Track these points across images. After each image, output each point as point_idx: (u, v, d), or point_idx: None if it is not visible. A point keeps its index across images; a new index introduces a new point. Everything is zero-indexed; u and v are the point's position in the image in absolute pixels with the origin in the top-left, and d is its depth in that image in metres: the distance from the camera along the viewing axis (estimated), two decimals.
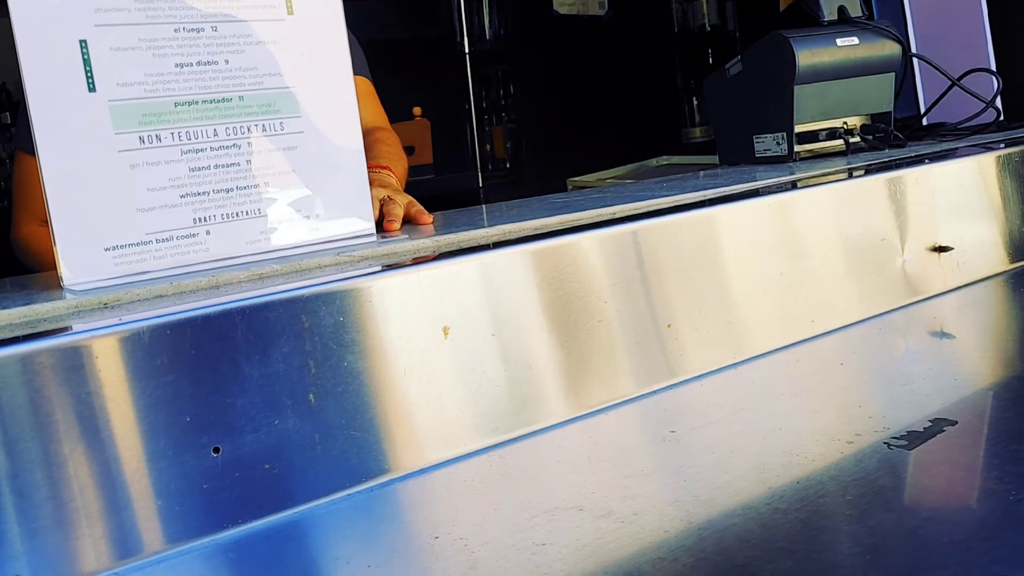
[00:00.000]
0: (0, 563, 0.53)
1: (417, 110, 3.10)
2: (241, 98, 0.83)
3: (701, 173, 1.42)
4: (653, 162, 3.36)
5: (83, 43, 0.75)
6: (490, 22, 3.68)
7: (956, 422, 0.68)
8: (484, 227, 0.87)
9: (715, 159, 1.62)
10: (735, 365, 0.85)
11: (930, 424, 0.68)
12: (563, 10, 3.70)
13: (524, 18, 3.66)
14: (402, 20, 3.45)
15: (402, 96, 3.19)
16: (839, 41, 1.36)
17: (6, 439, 0.54)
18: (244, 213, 0.83)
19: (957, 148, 1.35)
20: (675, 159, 3.37)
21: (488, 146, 3.69)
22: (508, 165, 3.67)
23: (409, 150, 3.08)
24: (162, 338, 0.59)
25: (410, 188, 3.23)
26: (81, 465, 0.56)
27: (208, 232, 0.81)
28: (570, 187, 3.19)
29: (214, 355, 0.60)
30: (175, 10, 0.79)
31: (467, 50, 3.49)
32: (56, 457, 0.55)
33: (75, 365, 0.57)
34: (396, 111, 3.14)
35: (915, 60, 1.58)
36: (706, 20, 4.33)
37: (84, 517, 0.56)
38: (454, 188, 3.33)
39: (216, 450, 0.60)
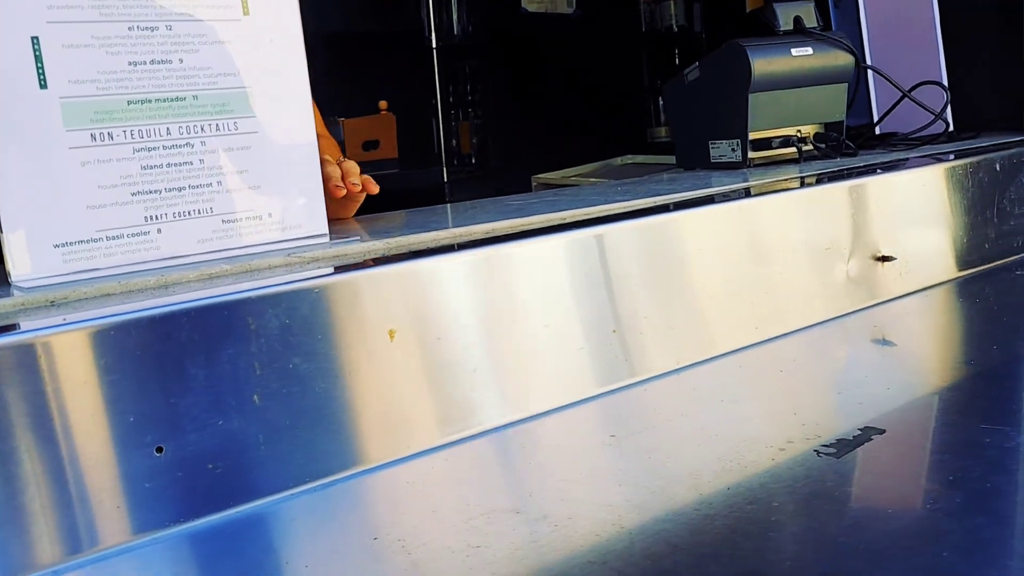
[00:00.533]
0: None
1: (383, 104, 3.10)
2: (195, 97, 0.83)
3: (655, 177, 1.44)
4: (617, 161, 3.39)
5: (35, 39, 0.75)
6: (458, 18, 3.68)
7: (884, 431, 0.70)
8: (435, 230, 0.89)
9: None
10: (678, 370, 0.87)
11: (859, 432, 0.70)
12: (531, 7, 3.72)
13: (492, 14, 3.67)
14: (371, 13, 3.44)
15: (368, 90, 3.19)
16: (794, 51, 1.39)
17: None
18: (196, 212, 0.83)
19: (905, 159, 1.38)
20: (639, 158, 3.40)
21: (454, 141, 3.69)
22: (474, 161, 3.68)
23: (374, 144, 3.08)
24: (107, 338, 0.60)
25: (375, 182, 3.21)
26: (26, 463, 0.57)
27: (159, 230, 0.81)
28: (535, 184, 3.21)
29: (159, 356, 0.61)
30: (129, 8, 0.79)
31: (435, 45, 3.49)
32: (2, 452, 0.56)
33: (20, 364, 0.57)
34: (362, 105, 3.14)
35: (869, 71, 1.61)
36: (673, 21, 4.37)
37: (27, 514, 0.57)
38: (419, 183, 3.33)
39: (159, 449, 0.61)
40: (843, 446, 0.68)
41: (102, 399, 0.59)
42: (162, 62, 0.81)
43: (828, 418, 0.75)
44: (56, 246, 0.76)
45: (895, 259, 1.11)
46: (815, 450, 0.68)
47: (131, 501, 0.60)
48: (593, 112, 3.85)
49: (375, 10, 3.46)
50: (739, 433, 0.73)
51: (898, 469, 0.66)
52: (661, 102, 4.37)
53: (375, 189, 1.00)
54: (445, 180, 3.42)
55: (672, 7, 4.35)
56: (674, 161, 1.63)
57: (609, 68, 4.01)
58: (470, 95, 3.79)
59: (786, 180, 1.19)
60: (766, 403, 0.80)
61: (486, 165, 3.65)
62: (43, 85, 0.76)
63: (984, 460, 0.64)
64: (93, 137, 0.78)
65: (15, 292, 0.71)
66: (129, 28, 0.79)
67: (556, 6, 3.80)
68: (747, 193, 1.08)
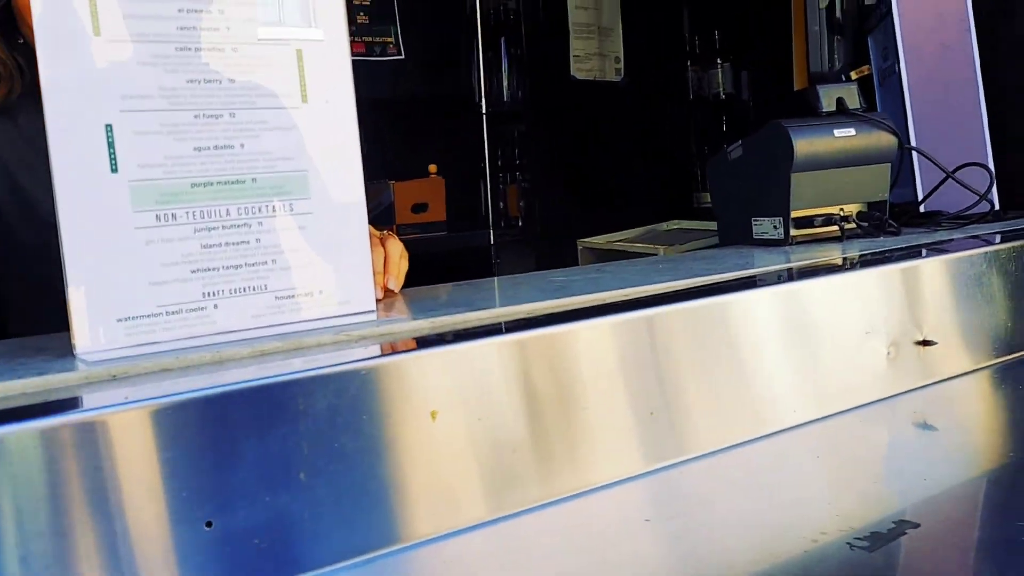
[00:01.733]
0: None
1: (432, 167, 3.17)
2: (254, 180, 0.88)
3: (697, 254, 1.46)
4: (663, 226, 3.41)
5: (108, 127, 0.80)
6: (508, 83, 3.77)
7: (919, 525, 0.71)
8: (479, 309, 0.91)
9: None
10: (715, 453, 0.88)
11: (893, 526, 0.70)
12: (580, 75, 3.79)
13: (542, 81, 3.76)
14: (424, 79, 3.55)
15: (419, 153, 3.28)
16: (836, 132, 1.41)
17: (14, 510, 0.58)
18: (251, 289, 0.87)
19: (949, 240, 1.39)
20: (684, 224, 3.42)
21: (501, 205, 3.76)
22: (520, 224, 3.73)
23: (423, 207, 3.15)
24: (165, 416, 0.63)
25: (423, 244, 3.30)
26: (81, 535, 0.60)
27: (216, 306, 0.85)
28: (580, 248, 3.25)
29: (213, 434, 0.64)
30: (196, 98, 0.84)
31: (485, 110, 3.57)
32: (58, 526, 0.59)
33: (84, 439, 0.61)
34: (412, 168, 3.22)
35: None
36: (721, 88, 4.42)
37: None
38: (466, 245, 3.39)
39: (208, 524, 0.64)
40: (876, 540, 0.68)
41: (158, 474, 0.62)
42: (225, 147, 0.86)
43: (863, 509, 0.75)
44: (119, 320, 0.80)
45: (936, 343, 1.11)
46: (848, 543, 0.68)
47: (182, 574, 0.62)
48: (639, 177, 3.89)
49: (427, 75, 3.56)
50: (773, 521, 0.74)
51: (931, 567, 0.66)
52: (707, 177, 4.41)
53: (396, 288, 1.06)
54: (492, 243, 3.48)
55: (720, 75, 4.41)
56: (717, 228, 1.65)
57: (656, 134, 4.06)
58: (518, 159, 3.87)
59: (827, 262, 1.21)
60: (801, 490, 0.81)
61: (532, 228, 3.70)
62: (114, 169, 0.81)
63: (1022, 560, 0.64)
64: (158, 218, 0.82)
65: (80, 365, 0.75)
66: (195, 116, 0.84)
67: (605, 73, 3.88)
68: (788, 277, 1.10)
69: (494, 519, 0.76)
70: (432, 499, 0.73)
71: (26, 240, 1.24)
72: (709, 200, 4.33)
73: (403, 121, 3.44)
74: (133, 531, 0.62)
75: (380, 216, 2.98)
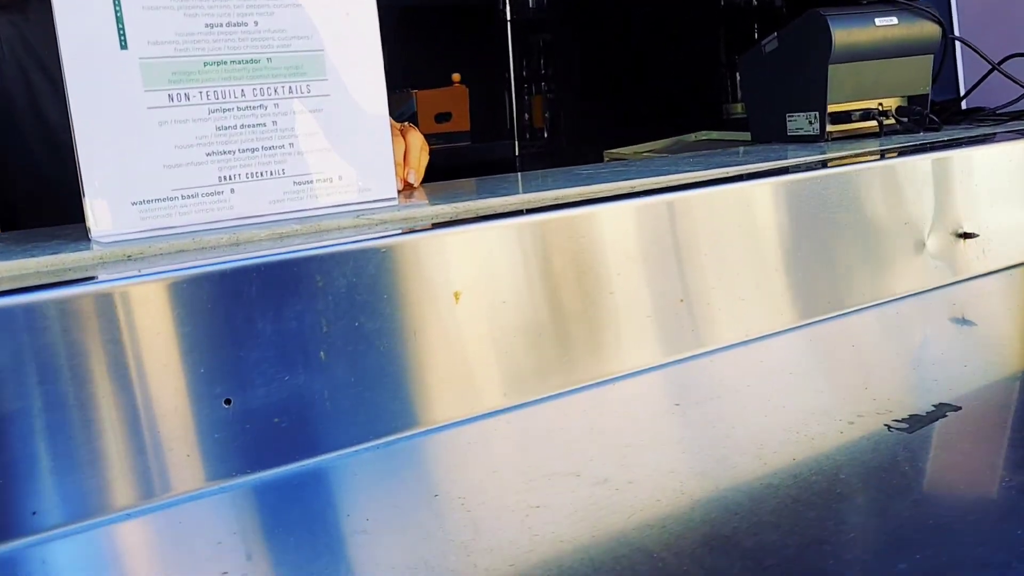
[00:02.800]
0: (21, 499, 0.56)
1: (456, 76, 3.10)
2: (269, 59, 0.84)
3: (729, 151, 1.42)
4: (691, 137, 3.34)
5: (116, 1, 0.77)
6: None
7: (960, 408, 0.68)
8: (505, 195, 0.88)
9: None
10: (747, 343, 0.86)
11: (934, 409, 0.68)
12: None
13: None
14: None
15: (442, 62, 3.20)
16: (877, 20, 1.34)
17: (30, 381, 0.56)
18: (268, 173, 0.84)
19: (992, 134, 1.33)
20: (714, 134, 3.34)
21: (526, 115, 3.68)
22: (546, 135, 3.67)
23: (446, 116, 3.09)
24: (180, 290, 0.61)
25: (446, 154, 3.25)
26: (103, 408, 0.59)
27: (232, 190, 0.83)
28: (607, 158, 3.19)
29: (229, 310, 0.62)
30: None
31: (509, 18, 3.47)
32: (76, 399, 0.58)
33: (98, 313, 0.59)
34: (435, 76, 3.15)
35: (956, 42, 1.55)
36: None
37: (103, 458, 0.59)
38: (490, 156, 3.33)
39: (227, 401, 0.63)
40: (915, 422, 0.66)
41: (175, 350, 0.61)
42: (238, 24, 0.82)
43: (901, 394, 0.73)
44: (134, 204, 0.78)
45: (977, 236, 1.07)
46: (886, 425, 0.66)
47: (201, 450, 0.61)
48: (668, 87, 3.79)
49: None
50: (807, 405, 0.72)
51: (972, 447, 0.64)
52: (738, 77, 4.29)
53: (416, 181, 1.03)
54: (516, 154, 3.42)
55: None
56: (749, 138, 1.60)
57: (685, 43, 3.94)
58: (543, 69, 3.78)
59: (863, 153, 1.16)
60: (836, 377, 0.78)
61: (558, 140, 3.64)
62: (123, 46, 0.78)
63: None
64: (171, 97, 0.79)
65: (94, 247, 0.73)
66: None
67: None
68: (822, 165, 1.05)
69: (518, 404, 0.74)
70: (454, 383, 0.71)
71: (39, 141, 1.22)
72: (739, 111, 4.24)
73: (425, 29, 3.35)
74: (152, 407, 0.60)
75: None
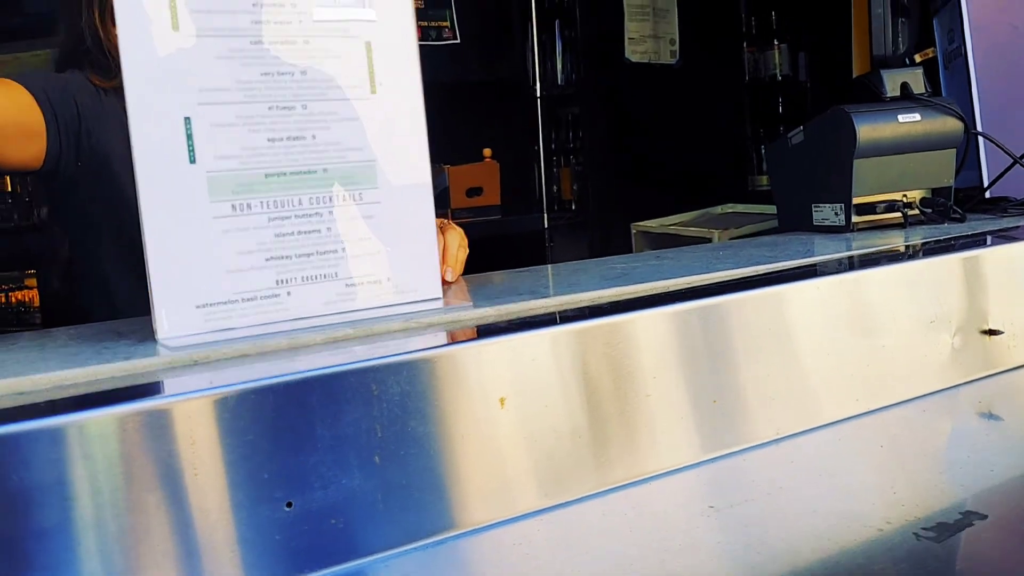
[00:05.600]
0: None
1: (487, 151, 3.18)
2: (325, 170, 0.90)
3: (757, 240, 1.46)
4: (718, 209, 3.39)
5: (187, 120, 0.83)
6: (562, 67, 3.77)
7: (987, 516, 0.71)
8: (543, 296, 0.93)
9: None
10: (777, 441, 0.89)
11: (960, 517, 0.71)
12: (635, 57, 3.77)
13: (596, 64, 3.74)
14: (478, 62, 3.56)
15: (473, 137, 3.29)
16: (900, 117, 1.39)
17: (101, 486, 0.61)
18: (322, 276, 0.89)
19: (1014, 228, 1.36)
20: (739, 207, 3.39)
21: (555, 187, 3.76)
22: (574, 207, 3.73)
23: (477, 191, 3.17)
24: (246, 402, 0.65)
25: (478, 228, 3.31)
26: (170, 515, 0.63)
27: (289, 293, 0.88)
28: (634, 231, 3.24)
29: (291, 418, 0.67)
30: (270, 90, 0.87)
31: (539, 93, 3.57)
32: (150, 505, 0.62)
33: (172, 422, 0.63)
34: (467, 152, 3.24)
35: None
36: (777, 70, 4.36)
37: (170, 561, 0.63)
38: (521, 229, 3.40)
39: (289, 504, 0.66)
40: (943, 530, 0.68)
41: (241, 457, 0.65)
42: (297, 138, 0.88)
43: (929, 499, 0.75)
44: (198, 307, 0.83)
45: (1003, 332, 1.10)
46: (914, 533, 0.69)
47: (263, 551, 0.65)
48: (694, 160, 3.86)
49: (482, 59, 3.57)
50: (838, 509, 0.74)
51: (1000, 558, 0.66)
52: (763, 150, 4.36)
53: (453, 279, 1.09)
54: (545, 226, 3.48)
55: (776, 56, 4.35)
56: (774, 211, 1.64)
57: (711, 116, 4.02)
58: (572, 142, 3.86)
59: (890, 250, 1.20)
60: (865, 479, 0.81)
61: (586, 211, 3.70)
62: (192, 160, 0.83)
63: None
64: (234, 208, 0.85)
65: (161, 351, 0.78)
66: (269, 108, 0.87)
67: (660, 56, 3.85)
68: (851, 265, 1.09)
69: (560, 503, 0.77)
70: (499, 484, 0.75)
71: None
72: (764, 183, 4.29)
73: (458, 105, 3.45)
74: (218, 512, 0.64)
75: (435, 200, 3.00)
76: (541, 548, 0.72)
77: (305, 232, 0.89)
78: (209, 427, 0.64)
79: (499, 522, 0.75)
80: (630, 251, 3.02)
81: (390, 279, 0.93)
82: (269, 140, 0.87)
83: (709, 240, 2.92)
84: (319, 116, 0.90)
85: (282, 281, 0.88)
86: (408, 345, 0.75)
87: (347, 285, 0.91)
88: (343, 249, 0.91)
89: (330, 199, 0.90)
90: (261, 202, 0.86)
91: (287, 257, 0.88)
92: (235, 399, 0.65)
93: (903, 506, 0.74)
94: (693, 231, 3.09)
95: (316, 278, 0.89)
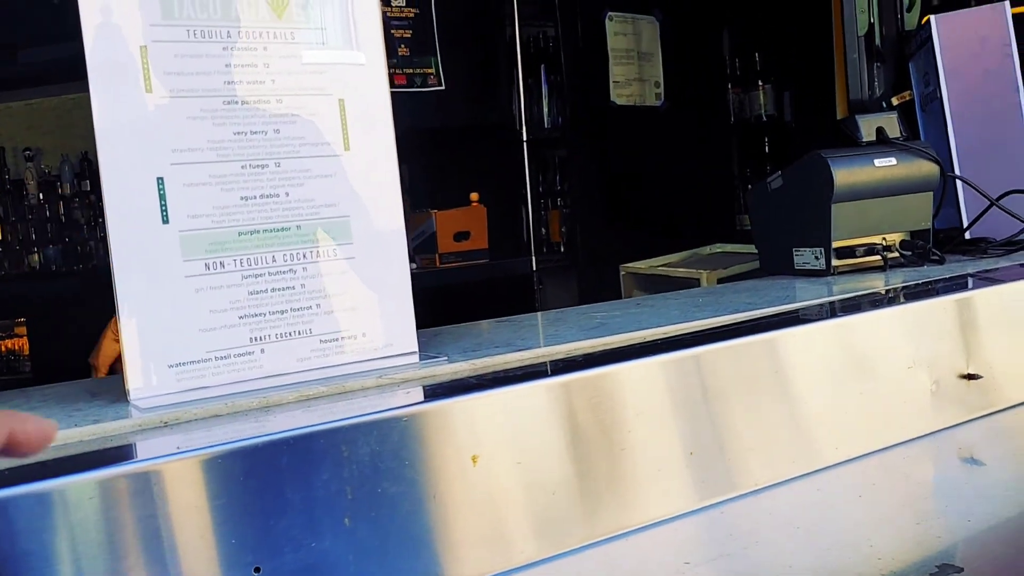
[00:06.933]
0: None
1: (474, 196, 3.20)
2: (299, 227, 0.90)
3: (737, 286, 1.46)
4: (706, 250, 3.40)
5: (160, 180, 0.83)
6: (549, 110, 3.80)
7: (962, 569, 0.70)
8: (518, 349, 0.93)
9: None
10: (755, 492, 0.88)
11: (936, 570, 0.70)
12: (620, 100, 3.81)
13: (582, 107, 3.78)
14: (465, 108, 3.59)
15: (460, 181, 3.31)
16: (877, 162, 1.40)
17: (63, 556, 0.60)
18: (296, 333, 0.89)
19: (993, 269, 1.37)
20: (727, 247, 3.40)
21: (543, 230, 3.77)
22: (562, 250, 3.75)
23: (465, 235, 3.18)
24: (215, 466, 0.65)
25: (466, 273, 3.31)
26: None
27: (263, 350, 0.88)
28: (623, 273, 3.25)
29: (260, 481, 0.66)
30: (244, 149, 0.87)
31: (525, 137, 3.60)
32: (111, 572, 0.61)
33: (139, 487, 0.63)
34: (454, 196, 3.25)
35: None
36: (763, 110, 4.40)
37: None
38: (509, 272, 3.41)
39: (257, 569, 0.66)
40: None
41: (208, 521, 0.64)
42: (271, 196, 0.89)
43: (904, 552, 0.75)
44: (171, 366, 0.83)
45: (982, 377, 1.10)
46: None
47: None
48: (682, 201, 3.88)
49: (468, 104, 3.60)
50: (813, 564, 0.74)
51: None
52: (750, 189, 4.39)
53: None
54: (534, 269, 3.49)
55: (761, 96, 4.40)
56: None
57: (698, 157, 4.05)
58: (559, 185, 3.89)
59: (869, 296, 1.20)
60: (843, 532, 0.80)
61: (575, 254, 3.71)
62: (165, 220, 0.84)
63: None
64: (207, 266, 0.85)
65: (133, 412, 0.77)
66: (242, 166, 0.87)
67: (645, 98, 3.89)
68: (831, 312, 1.10)
69: (534, 562, 0.77)
70: (472, 543, 0.74)
71: None
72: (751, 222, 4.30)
73: (445, 150, 3.48)
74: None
75: (422, 246, 3.01)
76: None
77: (279, 289, 0.89)
78: (175, 492, 0.63)
79: None
80: (619, 292, 3.03)
81: (365, 334, 0.93)
82: (242, 198, 0.87)
83: (697, 281, 2.92)
84: (292, 173, 0.90)
85: (256, 339, 0.87)
86: (378, 403, 0.75)
87: (322, 341, 0.91)
88: (318, 305, 0.91)
89: (304, 255, 0.90)
90: (234, 260, 0.87)
91: (261, 314, 0.88)
92: (202, 463, 0.64)
93: (879, 559, 0.73)
94: (681, 272, 3.10)
95: (290, 335, 0.89)
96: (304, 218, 0.90)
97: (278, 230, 0.89)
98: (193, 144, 0.85)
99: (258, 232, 0.88)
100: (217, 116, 0.86)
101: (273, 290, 0.88)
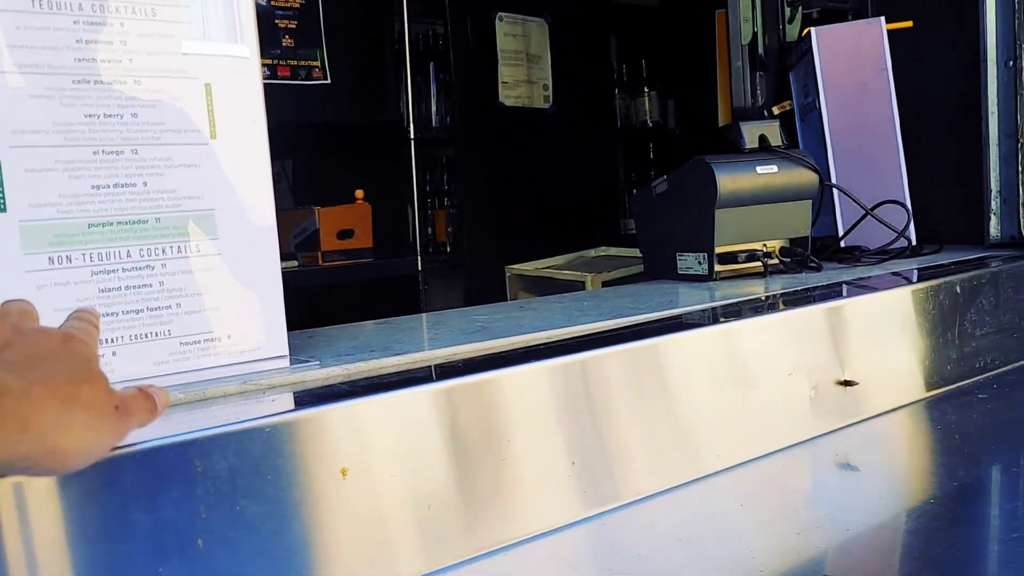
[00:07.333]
0: None
1: (359, 193, 3.12)
2: (158, 220, 0.83)
3: (621, 290, 1.45)
4: (591, 252, 3.42)
5: None
6: (437, 109, 3.75)
7: None
8: (395, 354, 0.88)
9: None
10: (638, 502, 0.86)
11: None
12: (509, 101, 3.79)
13: (471, 107, 3.74)
14: (351, 103, 3.50)
15: (345, 179, 3.22)
16: (759, 169, 1.41)
17: None
18: (153, 334, 0.82)
19: (868, 277, 1.40)
20: (612, 250, 3.43)
21: (430, 230, 3.72)
22: (448, 250, 3.70)
23: (348, 233, 3.10)
24: (47, 485, 0.58)
25: (349, 271, 3.23)
26: None
27: (114, 353, 0.80)
28: (508, 274, 3.23)
29: (101, 502, 0.60)
30: (96, 133, 0.80)
31: (413, 135, 3.54)
32: None
33: None
34: (338, 193, 3.17)
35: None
36: (648, 117, 4.47)
37: None
38: (393, 272, 3.34)
39: None
40: None
41: (43, 546, 0.58)
42: (126, 185, 0.81)
43: (785, 563, 0.74)
44: None
45: (857, 384, 1.11)
46: None
47: None
48: (568, 203, 3.90)
49: (354, 100, 3.52)
50: None
51: None
52: (628, 200, 4.45)
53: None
54: (419, 269, 3.43)
55: (647, 103, 4.46)
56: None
57: (584, 161, 4.08)
58: (447, 185, 3.84)
59: (750, 303, 1.20)
60: (724, 544, 0.79)
61: (461, 254, 3.67)
62: (2, 208, 0.76)
63: None
64: (51, 260, 0.77)
65: None
66: (94, 152, 0.80)
67: (533, 100, 3.88)
68: (710, 318, 1.09)
69: None
70: (342, 563, 0.69)
71: None
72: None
73: (330, 146, 3.38)
74: None
75: (305, 243, 2.92)
76: None
77: (134, 287, 0.82)
78: (8, 515, 0.56)
79: None
80: (505, 294, 3.01)
81: (231, 336, 0.87)
82: (94, 187, 0.80)
83: (583, 283, 2.93)
84: (152, 162, 0.83)
85: (107, 340, 0.80)
86: (240, 412, 0.69)
87: (182, 344, 0.84)
88: (178, 304, 0.84)
89: (164, 251, 0.83)
90: (83, 254, 0.79)
91: (113, 314, 0.80)
92: (31, 483, 0.57)
93: (761, 572, 0.72)
94: (567, 274, 3.10)
95: (146, 336, 0.82)
96: (164, 210, 0.83)
97: (134, 222, 0.82)
98: (37, 126, 0.77)
99: (111, 224, 0.81)
100: (65, 96, 0.78)
101: (127, 288, 0.81)
